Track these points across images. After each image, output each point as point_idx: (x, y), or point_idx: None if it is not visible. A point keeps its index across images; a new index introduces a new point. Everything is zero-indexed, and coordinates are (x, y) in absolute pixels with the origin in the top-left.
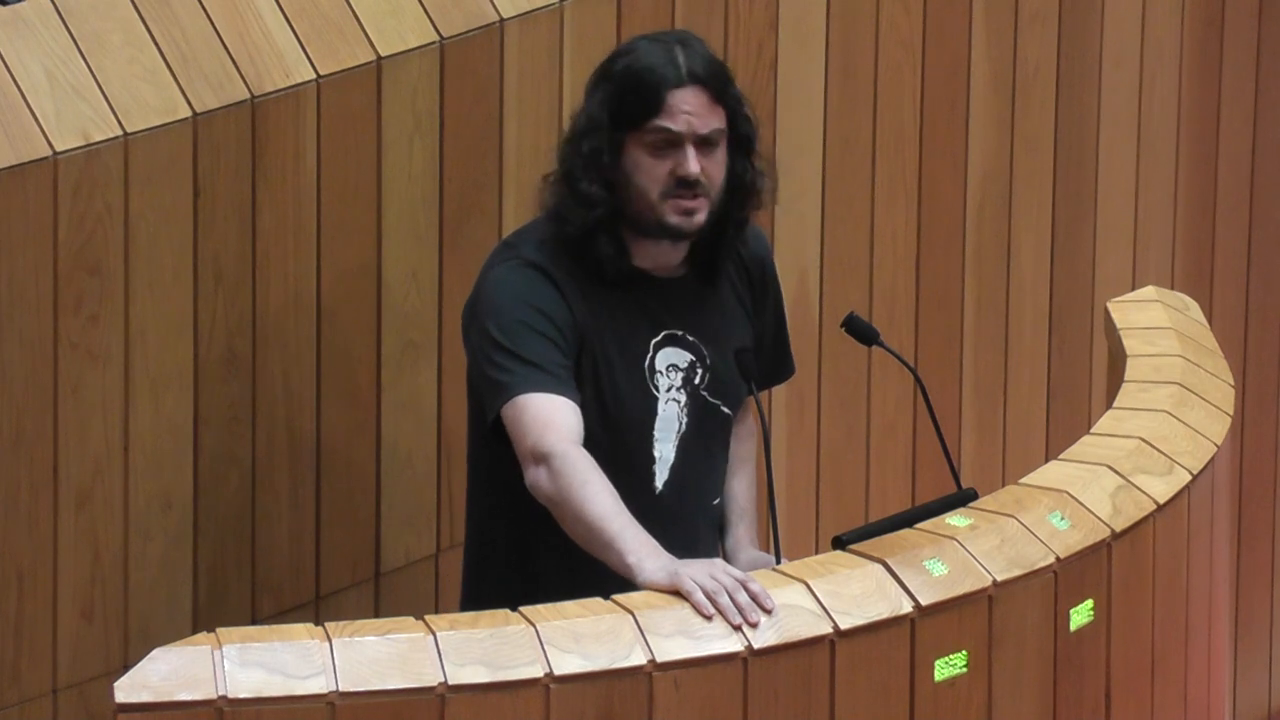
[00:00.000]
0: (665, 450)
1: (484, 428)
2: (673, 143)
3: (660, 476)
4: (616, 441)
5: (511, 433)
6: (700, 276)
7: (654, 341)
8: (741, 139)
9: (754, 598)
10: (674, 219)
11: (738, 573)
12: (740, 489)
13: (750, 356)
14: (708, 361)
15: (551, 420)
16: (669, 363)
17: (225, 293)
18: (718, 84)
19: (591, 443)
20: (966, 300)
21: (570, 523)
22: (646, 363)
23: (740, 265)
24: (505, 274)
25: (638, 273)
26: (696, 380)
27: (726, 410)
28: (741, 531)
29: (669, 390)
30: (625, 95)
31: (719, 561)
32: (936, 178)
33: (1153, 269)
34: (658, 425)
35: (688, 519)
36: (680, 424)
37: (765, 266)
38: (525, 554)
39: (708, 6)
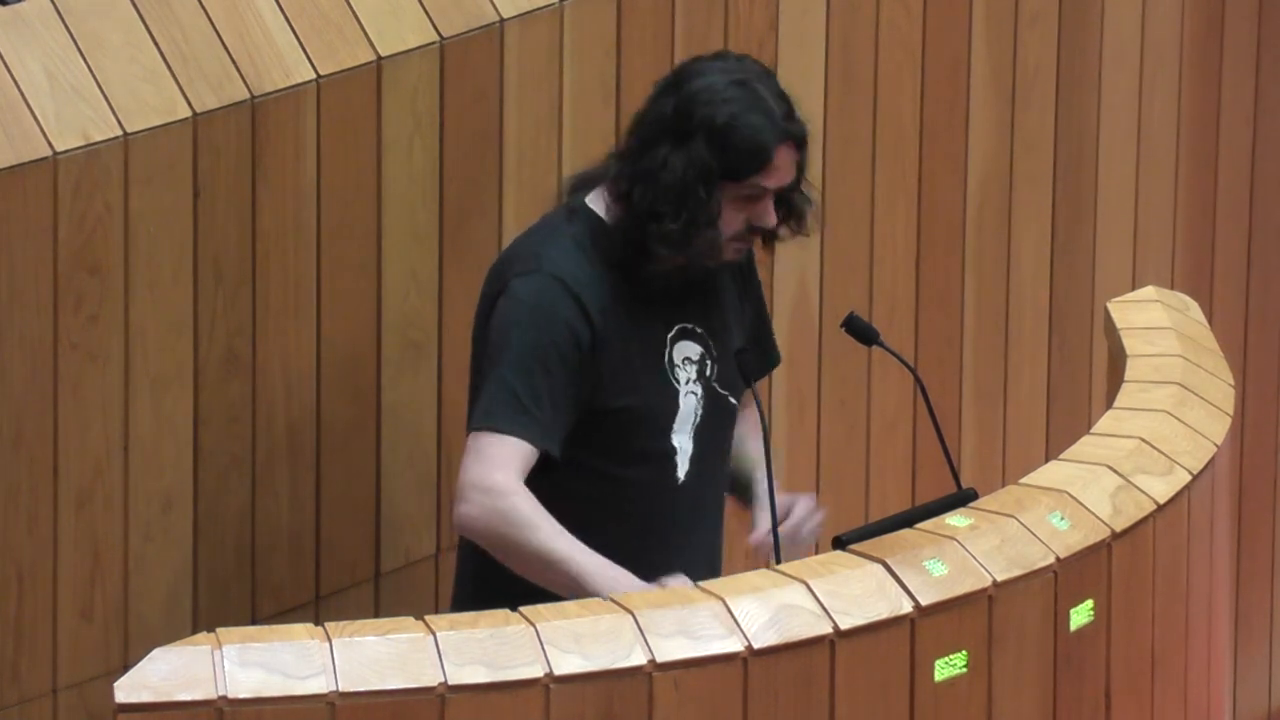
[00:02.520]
0: (683, 441)
1: None
2: (759, 196)
3: (682, 467)
4: (640, 435)
5: (465, 457)
6: (706, 274)
7: (669, 336)
8: (799, 167)
9: None
10: (730, 255)
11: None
12: (755, 449)
13: (749, 356)
14: (714, 353)
15: (505, 459)
16: (684, 355)
17: (225, 293)
18: (804, 141)
19: (619, 438)
20: (966, 300)
21: (525, 558)
22: (666, 357)
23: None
24: (527, 290)
25: (657, 270)
26: (708, 373)
27: (733, 401)
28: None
29: (688, 383)
30: (733, 153)
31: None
32: (936, 178)
33: (1153, 269)
34: (678, 418)
35: (707, 508)
36: (696, 416)
37: (749, 256)
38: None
39: (708, 6)
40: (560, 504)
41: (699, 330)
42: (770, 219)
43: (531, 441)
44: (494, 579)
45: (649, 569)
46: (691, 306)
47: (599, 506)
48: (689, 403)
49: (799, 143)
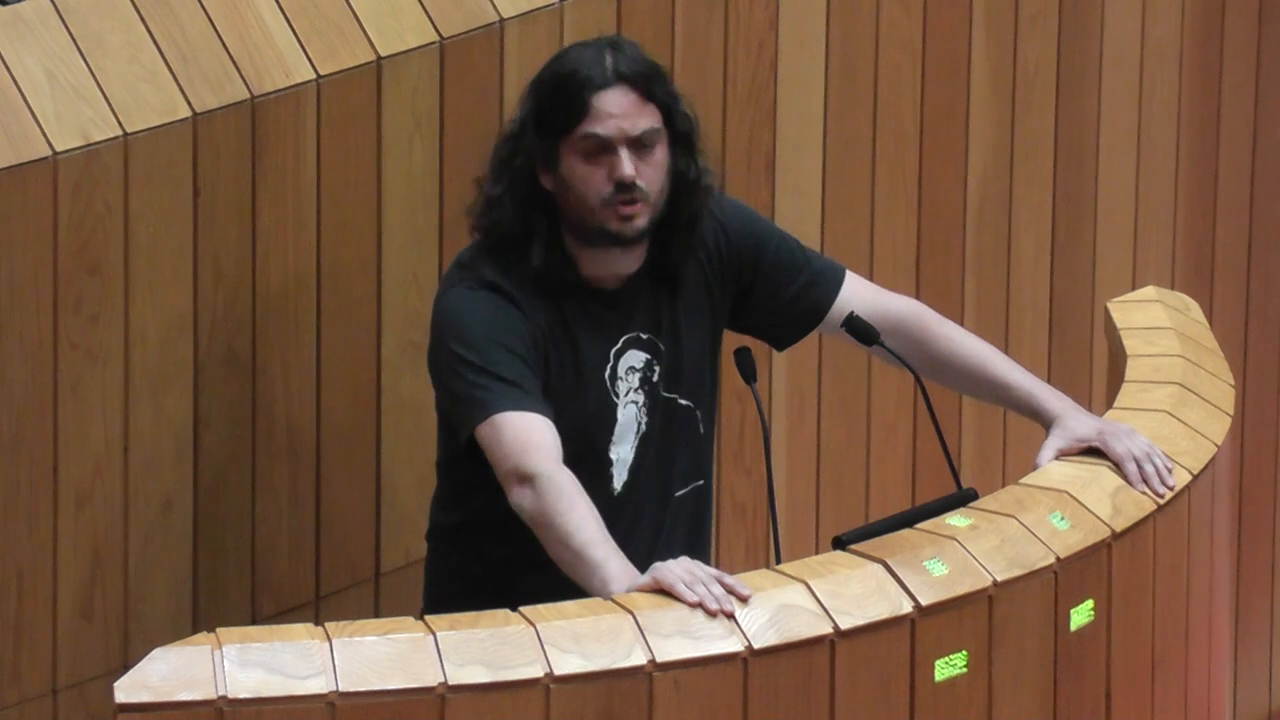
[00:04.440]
0: (623, 452)
1: (457, 447)
2: (605, 148)
3: (619, 478)
4: (572, 449)
5: (490, 453)
6: (658, 278)
7: (614, 350)
8: (680, 136)
9: (729, 589)
10: (614, 225)
11: (712, 569)
12: (1006, 370)
13: (749, 355)
14: (664, 356)
15: (531, 439)
16: (628, 366)
17: (225, 293)
18: (645, 82)
19: None
20: (966, 300)
21: (554, 545)
22: (608, 371)
23: (718, 255)
24: (465, 296)
25: (590, 281)
26: (655, 378)
27: (684, 402)
28: (1056, 403)
29: (627, 394)
30: (552, 101)
31: (687, 559)
32: (936, 178)
33: (1153, 269)
34: (616, 430)
35: (649, 514)
36: (640, 425)
37: (757, 246)
38: (483, 577)
39: (708, 6)
40: (491, 513)
41: (644, 336)
42: (624, 169)
43: (530, 409)
44: (446, 598)
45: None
46: (640, 312)
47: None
48: (629, 413)
49: (642, 91)
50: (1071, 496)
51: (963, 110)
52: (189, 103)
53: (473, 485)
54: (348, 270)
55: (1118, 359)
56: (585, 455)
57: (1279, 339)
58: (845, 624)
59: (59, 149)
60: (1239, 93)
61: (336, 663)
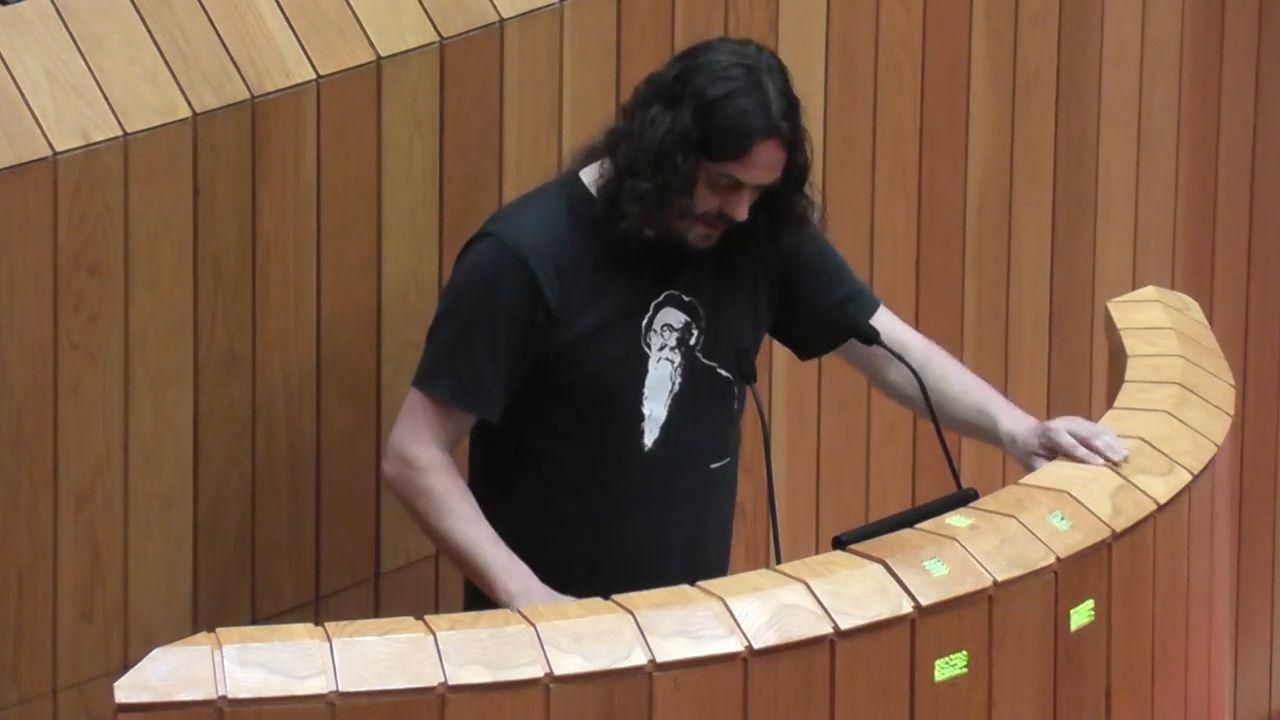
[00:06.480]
0: (656, 409)
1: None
2: (734, 186)
3: (650, 434)
4: (601, 401)
5: (402, 411)
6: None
7: (654, 302)
8: (796, 170)
9: None
10: (691, 238)
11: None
12: (967, 384)
13: (749, 356)
14: (703, 323)
15: (436, 429)
16: (664, 322)
17: (225, 293)
18: (794, 132)
19: (574, 406)
20: (966, 300)
21: (434, 537)
22: (644, 322)
23: (775, 248)
24: (477, 256)
25: (644, 240)
26: (691, 342)
27: (724, 373)
28: (1008, 416)
29: (661, 349)
30: (714, 131)
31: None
32: (936, 178)
33: (1153, 269)
34: (648, 384)
35: (680, 478)
36: (673, 384)
37: (800, 240)
38: (532, 527)
39: (708, 6)
40: (522, 461)
41: (686, 299)
42: (741, 212)
43: (463, 408)
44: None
45: (619, 540)
46: (684, 275)
47: (557, 468)
48: (661, 369)
49: (789, 142)
50: (1071, 496)
51: (963, 110)
52: (189, 103)
53: (498, 454)
54: (348, 270)
55: (1118, 359)
56: (614, 407)
57: (1279, 339)
58: (845, 624)
59: (59, 149)
60: (1239, 93)
61: (336, 663)
